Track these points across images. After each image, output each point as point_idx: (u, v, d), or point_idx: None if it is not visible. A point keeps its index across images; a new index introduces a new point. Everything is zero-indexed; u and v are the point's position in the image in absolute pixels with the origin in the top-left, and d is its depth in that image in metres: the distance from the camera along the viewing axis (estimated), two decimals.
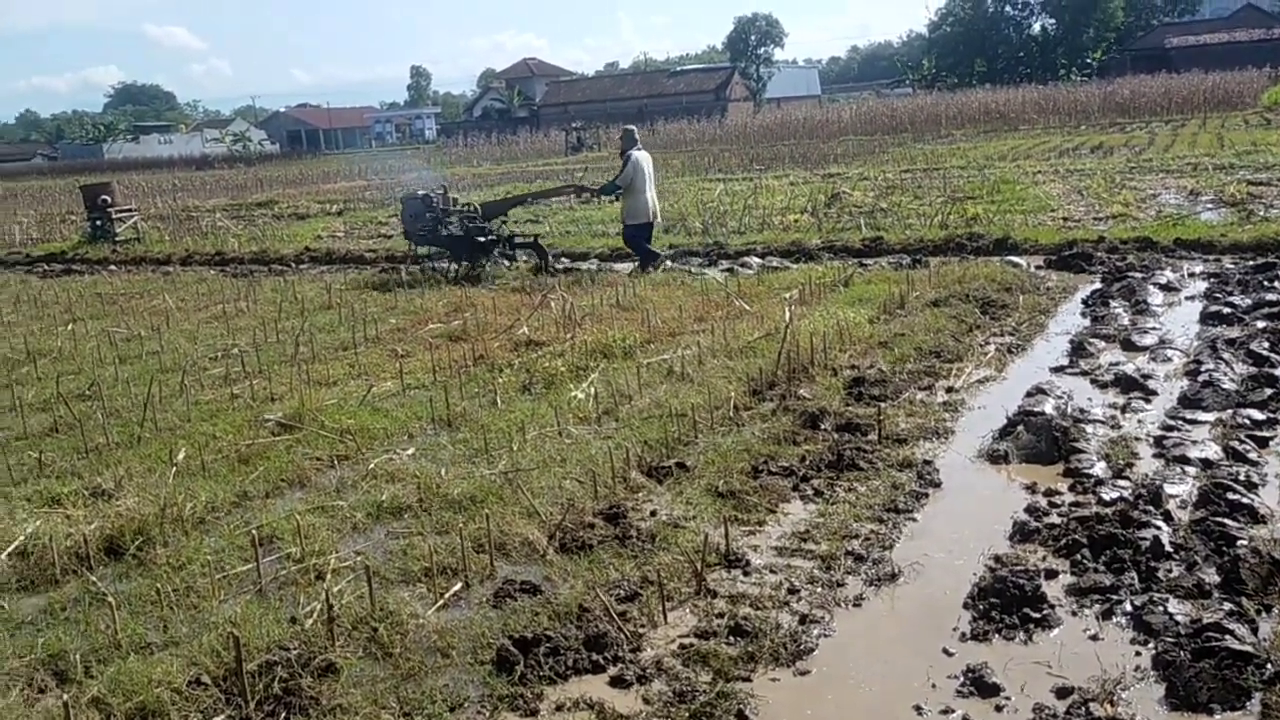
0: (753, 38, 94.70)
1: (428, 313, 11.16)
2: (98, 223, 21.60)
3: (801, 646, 4.18)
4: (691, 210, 19.06)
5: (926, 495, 5.67)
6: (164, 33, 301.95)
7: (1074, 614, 4.35)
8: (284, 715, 3.78)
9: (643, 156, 13.19)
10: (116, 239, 21.04)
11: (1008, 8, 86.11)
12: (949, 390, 7.53)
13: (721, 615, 4.41)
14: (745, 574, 4.81)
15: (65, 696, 3.67)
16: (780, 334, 8.13)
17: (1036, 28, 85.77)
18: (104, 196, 21.79)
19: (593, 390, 7.45)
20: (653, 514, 5.45)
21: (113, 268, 18.45)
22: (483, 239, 13.68)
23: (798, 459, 6.12)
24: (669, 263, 13.45)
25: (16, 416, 7.79)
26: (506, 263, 14.06)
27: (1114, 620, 4.27)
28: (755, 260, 13.69)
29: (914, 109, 49.81)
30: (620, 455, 6.02)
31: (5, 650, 4.21)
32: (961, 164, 25.25)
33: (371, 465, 6.25)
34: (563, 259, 15.03)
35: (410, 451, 6.51)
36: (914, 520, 5.38)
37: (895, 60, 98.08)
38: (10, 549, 5.11)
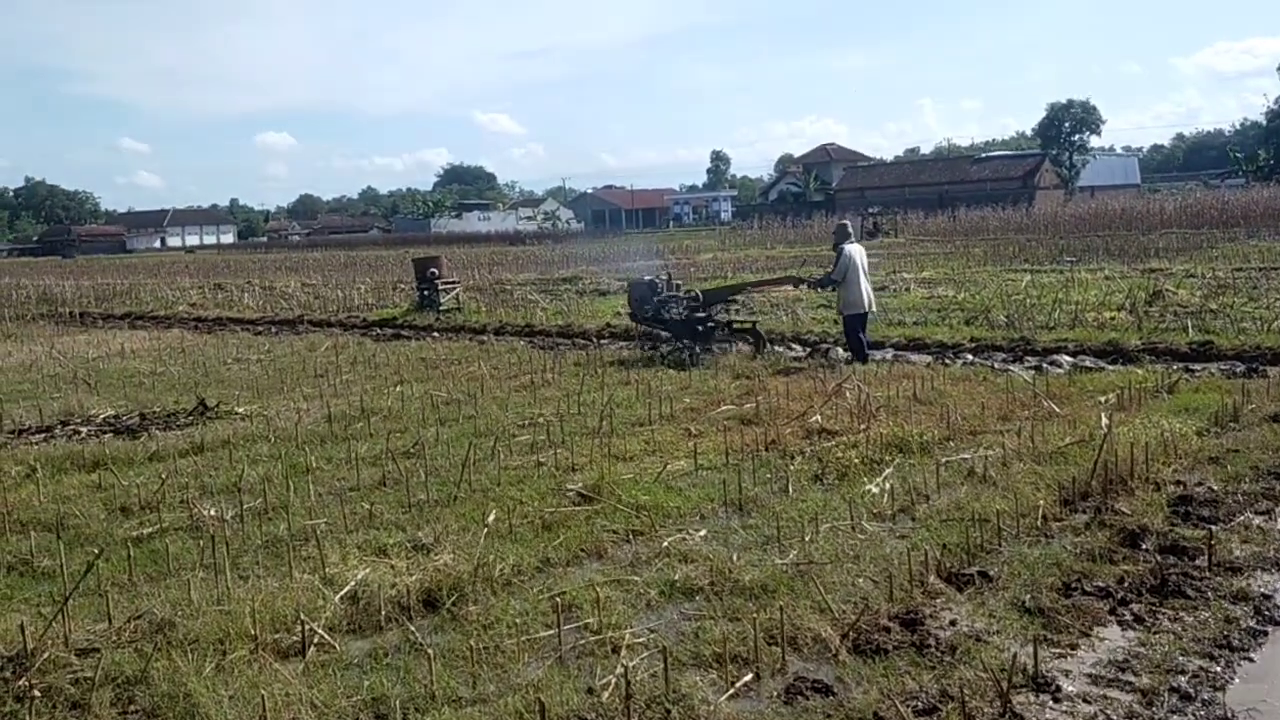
0: (1066, 124, 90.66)
1: (720, 394, 11.34)
2: (425, 293, 23.68)
3: None
4: (995, 302, 18.41)
5: (1265, 633, 5.14)
6: (489, 119, 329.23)
7: None
8: None
9: (855, 250, 13.62)
10: (440, 308, 22.93)
11: None
12: None
13: None
14: (1055, 700, 4.50)
15: None
16: (1096, 441, 7.64)
17: None
18: (433, 269, 23.88)
19: (888, 485, 7.28)
20: (952, 624, 5.22)
21: (436, 334, 20.08)
22: (701, 325, 14.24)
23: (1115, 580, 5.69)
24: (969, 356, 13.03)
25: (351, 469, 8.57)
26: (724, 346, 14.50)
27: None
28: (1066, 359, 13.03)
29: (1248, 202, 45.90)
30: (918, 557, 5.83)
31: (336, 688, 4.59)
32: None
33: (665, 544, 6.39)
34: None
35: (702, 533, 6.60)
36: (1250, 660, 4.88)
37: (1227, 149, 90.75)
38: (344, 592, 5.60)
